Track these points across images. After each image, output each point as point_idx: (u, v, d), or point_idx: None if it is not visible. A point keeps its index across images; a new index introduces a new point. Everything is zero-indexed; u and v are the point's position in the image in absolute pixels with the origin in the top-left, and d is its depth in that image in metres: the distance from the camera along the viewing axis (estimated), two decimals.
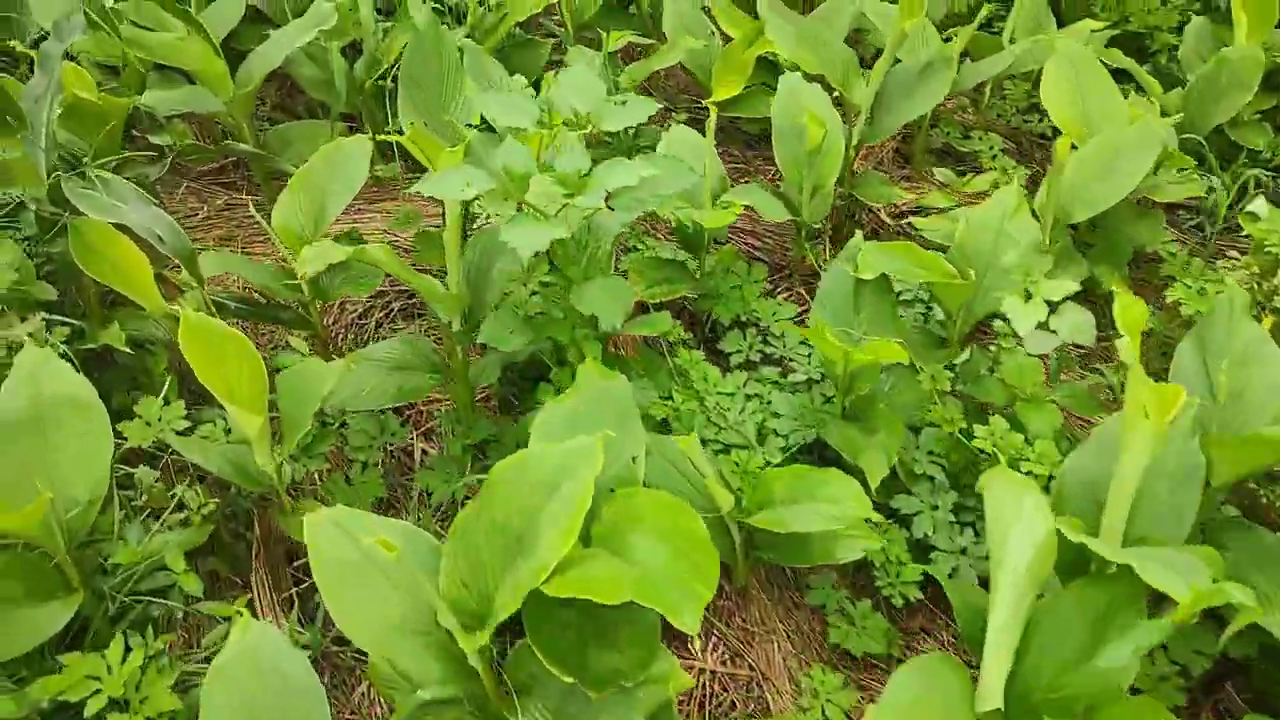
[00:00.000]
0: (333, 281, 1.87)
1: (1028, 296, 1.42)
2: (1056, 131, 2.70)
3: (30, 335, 1.54)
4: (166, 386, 1.75)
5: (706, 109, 2.75)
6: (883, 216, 2.37)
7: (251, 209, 1.79)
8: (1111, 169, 1.74)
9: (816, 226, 2.09)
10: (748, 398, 1.67)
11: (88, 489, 1.25)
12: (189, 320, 1.35)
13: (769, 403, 1.69)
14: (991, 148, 2.43)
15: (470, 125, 1.95)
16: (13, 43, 2.05)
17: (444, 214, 2.11)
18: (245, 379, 1.37)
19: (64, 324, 1.58)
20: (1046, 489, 1.41)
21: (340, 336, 2.06)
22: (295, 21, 2.16)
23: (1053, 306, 1.41)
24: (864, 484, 1.38)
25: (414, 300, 2.14)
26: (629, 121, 1.40)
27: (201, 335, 1.36)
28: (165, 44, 2.05)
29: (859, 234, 1.62)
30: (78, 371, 1.33)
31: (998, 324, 1.62)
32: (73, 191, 1.53)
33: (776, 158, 1.97)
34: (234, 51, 2.53)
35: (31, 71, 2.46)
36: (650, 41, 2.51)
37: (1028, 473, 1.41)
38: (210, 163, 2.49)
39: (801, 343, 1.86)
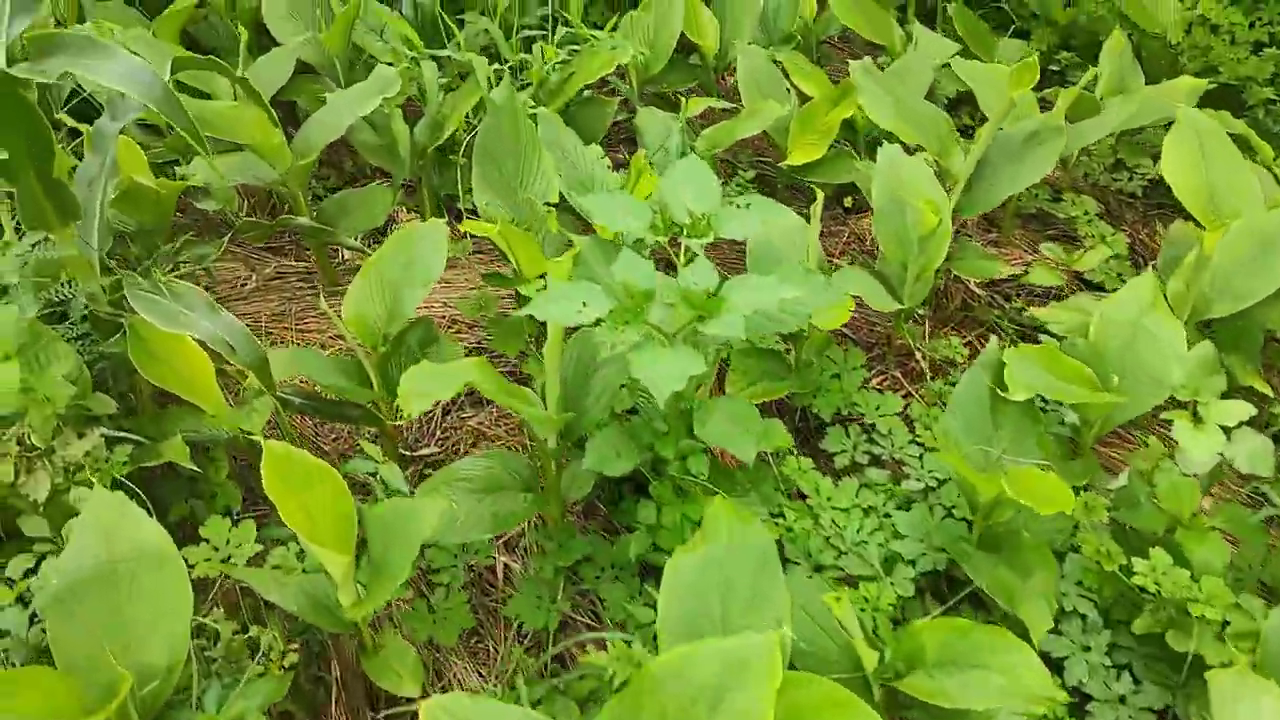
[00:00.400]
0: (404, 370, 1.74)
1: (1197, 419, 1.28)
2: (1148, 190, 2.57)
3: (89, 453, 1.41)
4: (222, 496, 1.63)
5: (773, 165, 2.63)
6: (973, 287, 2.23)
7: (323, 304, 1.65)
8: (1260, 259, 1.60)
9: (920, 312, 1.95)
10: (864, 513, 1.53)
11: (166, 654, 1.12)
12: (273, 452, 1.22)
13: (887, 515, 1.54)
14: (1086, 213, 2.28)
15: (549, 204, 1.83)
16: (59, 115, 1.92)
17: (518, 297, 1.98)
18: (332, 516, 1.24)
19: (123, 439, 1.44)
20: (1221, 636, 1.27)
21: (407, 429, 1.92)
22: (357, 87, 2.04)
23: (1227, 431, 1.27)
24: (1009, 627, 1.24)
25: None
26: (753, 229, 1.26)
27: (286, 467, 1.23)
28: (218, 113, 1.92)
29: (994, 340, 1.48)
30: (150, 514, 1.19)
31: (1140, 434, 1.47)
32: (137, 298, 1.40)
33: (877, 237, 1.83)
34: (281, 105, 2.41)
35: (68, 136, 2.35)
36: (727, 105, 2.36)
37: (1199, 616, 1.26)
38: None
39: (911, 441, 1.72)
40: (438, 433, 1.92)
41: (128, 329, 1.50)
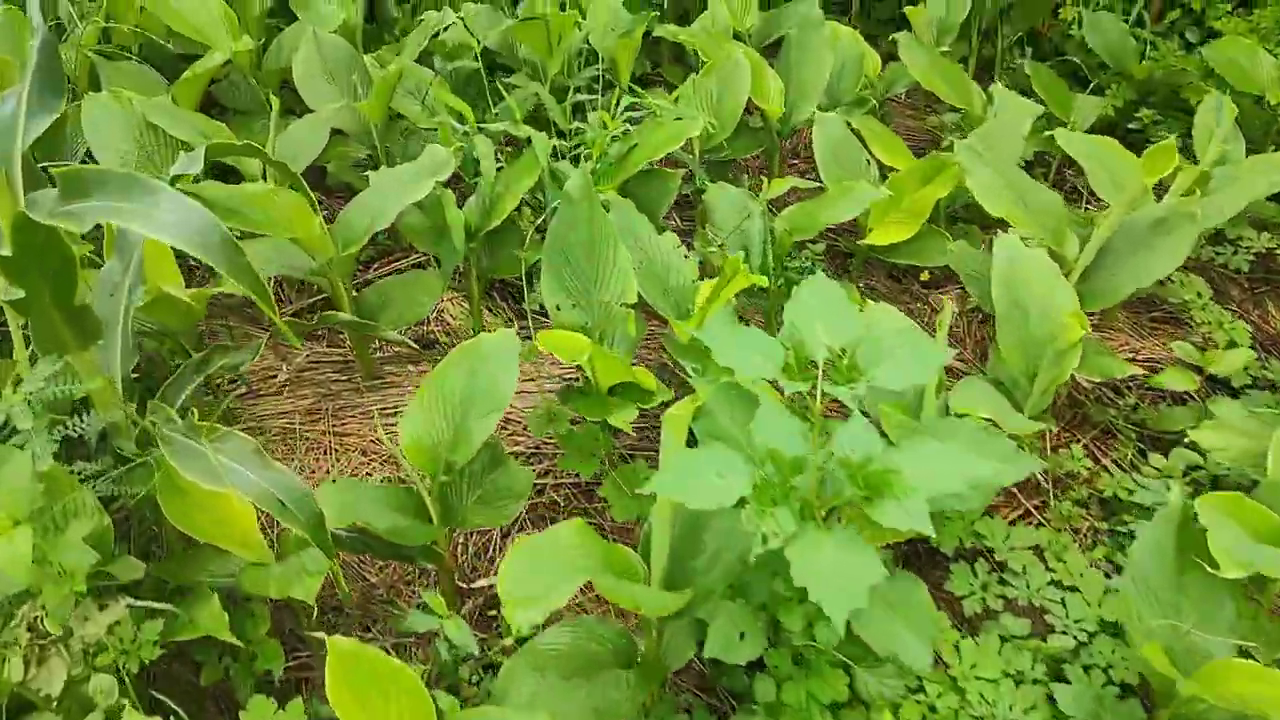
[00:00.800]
0: (464, 503, 1.53)
1: None
2: (1255, 265, 2.37)
3: (112, 630, 1.19)
4: (263, 657, 1.41)
5: (845, 234, 2.44)
6: (1079, 379, 2.02)
7: (380, 433, 1.44)
8: None
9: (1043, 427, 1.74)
10: (1015, 683, 1.31)
11: None
12: (339, 651, 1.01)
13: (1036, 681, 1.33)
14: (1200, 295, 2.08)
15: (626, 305, 1.63)
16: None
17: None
18: None
19: (152, 610, 1.23)
20: None
21: (461, 552, 1.71)
22: (405, 169, 1.83)
23: None
24: None
25: (543, 502, 1.78)
26: (914, 378, 1.05)
27: (354, 670, 1.02)
28: (251, 198, 1.71)
29: (1176, 488, 1.27)
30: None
31: None
32: (171, 447, 1.19)
33: (999, 341, 1.63)
34: (310, 170, 2.20)
35: None
36: (811, 184, 2.15)
37: None
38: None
39: (1050, 582, 1.50)
40: (496, 558, 1.71)
41: (157, 474, 1.29)
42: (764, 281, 1.54)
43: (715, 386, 1.10)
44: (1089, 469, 1.74)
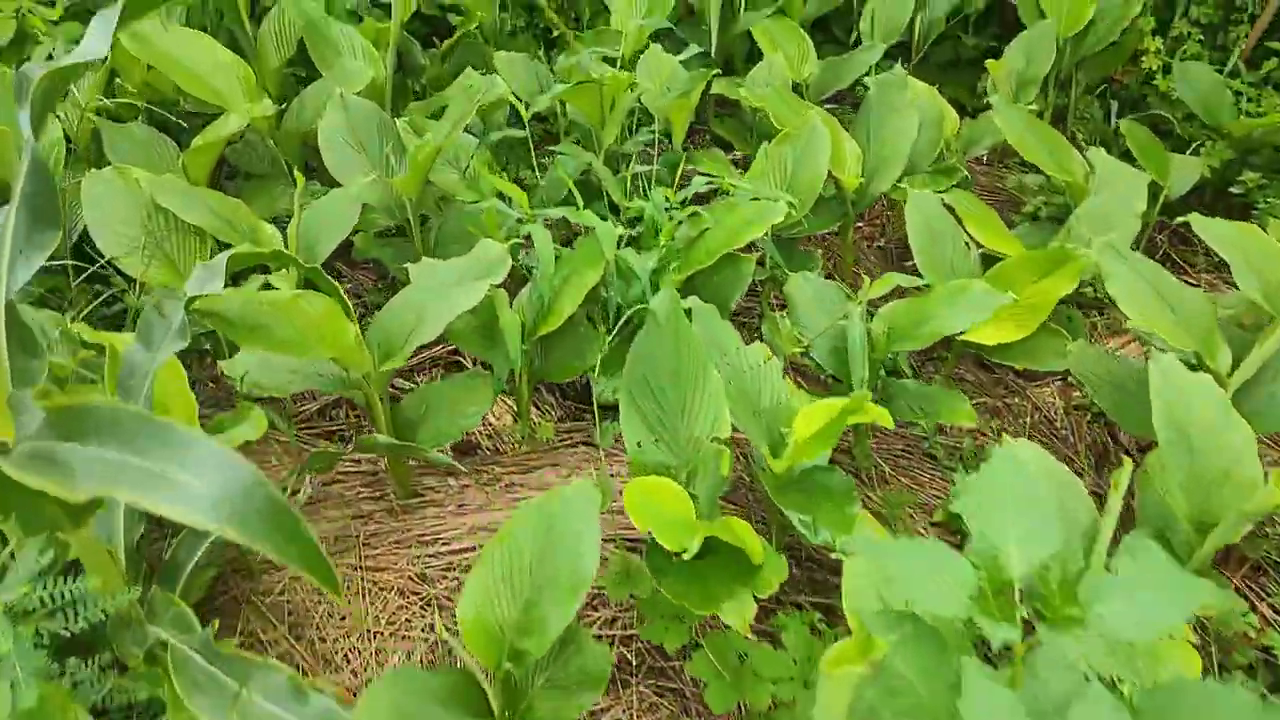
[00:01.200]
0: (530, 689, 1.28)
1: None
2: None
3: None
4: None
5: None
6: None
7: (440, 628, 1.19)
8: None
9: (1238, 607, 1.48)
10: None
11: None
12: None
13: None
14: None
15: (717, 440, 1.38)
16: (69, 327, 1.48)
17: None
18: None
19: None
20: None
21: None
22: (452, 266, 1.59)
23: None
24: None
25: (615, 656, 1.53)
26: (1167, 624, 0.80)
27: None
28: (276, 306, 1.45)
29: None
30: None
31: None
32: (190, 686, 0.94)
33: (1158, 479, 1.38)
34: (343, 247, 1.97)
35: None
36: (915, 282, 1.90)
37: None
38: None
39: None
40: None
41: (165, 682, 1.05)
42: (889, 421, 1.29)
43: (899, 637, 0.85)
44: (1257, 629, 1.48)
